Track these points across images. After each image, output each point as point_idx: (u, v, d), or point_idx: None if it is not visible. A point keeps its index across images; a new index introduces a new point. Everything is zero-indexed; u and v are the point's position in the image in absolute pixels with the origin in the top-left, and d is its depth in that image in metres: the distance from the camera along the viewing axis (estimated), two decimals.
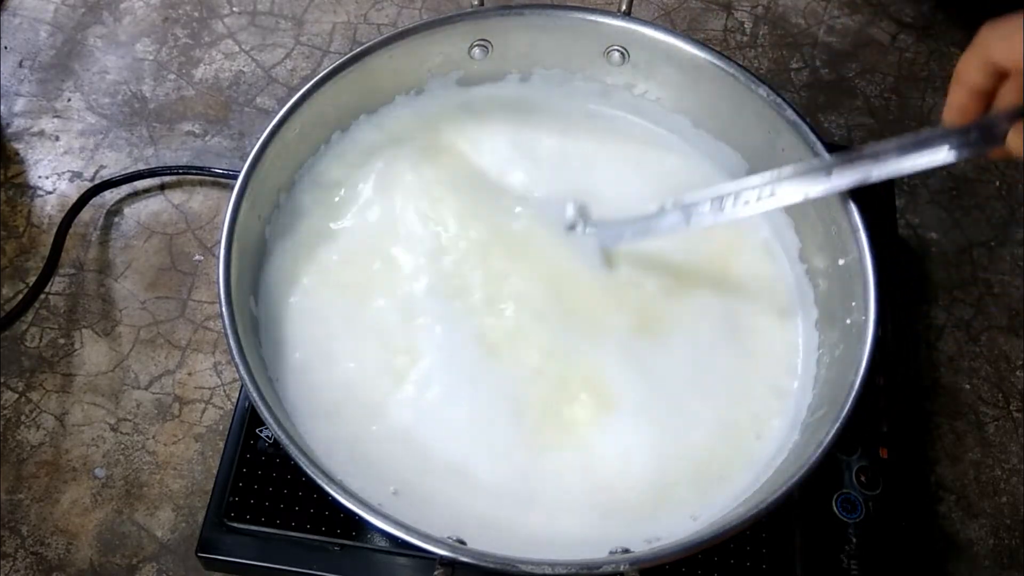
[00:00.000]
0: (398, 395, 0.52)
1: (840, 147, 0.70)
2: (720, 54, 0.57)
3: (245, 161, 0.52)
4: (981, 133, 0.43)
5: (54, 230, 0.69)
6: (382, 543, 0.52)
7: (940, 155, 0.44)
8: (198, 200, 0.72)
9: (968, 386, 0.66)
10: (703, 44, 0.57)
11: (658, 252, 0.57)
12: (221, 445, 0.59)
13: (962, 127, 0.44)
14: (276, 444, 0.54)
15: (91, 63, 0.79)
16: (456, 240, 0.57)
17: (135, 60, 0.80)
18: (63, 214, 0.69)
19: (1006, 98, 0.43)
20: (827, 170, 0.48)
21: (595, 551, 0.46)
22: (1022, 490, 0.62)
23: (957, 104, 0.44)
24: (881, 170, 0.46)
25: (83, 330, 0.66)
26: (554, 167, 0.61)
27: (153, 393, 0.64)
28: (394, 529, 0.42)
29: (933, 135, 0.44)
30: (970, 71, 0.42)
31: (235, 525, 0.52)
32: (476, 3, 0.59)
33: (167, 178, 0.73)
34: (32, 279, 0.67)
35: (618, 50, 0.60)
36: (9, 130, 0.75)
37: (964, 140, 0.43)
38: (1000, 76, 0.42)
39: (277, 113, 0.54)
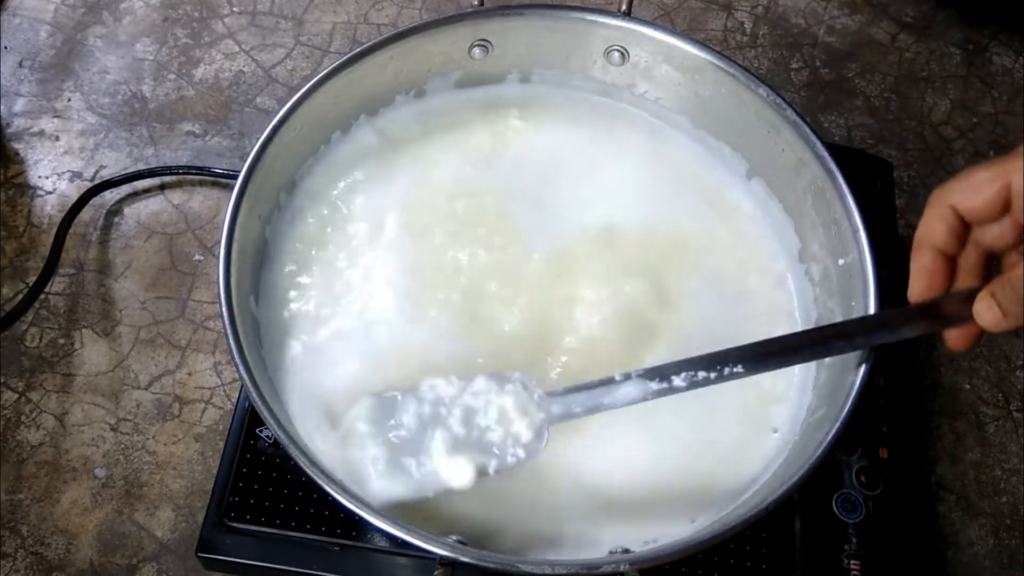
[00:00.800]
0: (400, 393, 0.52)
1: (840, 147, 0.70)
2: (720, 54, 0.57)
3: (245, 161, 0.52)
4: (943, 313, 0.43)
5: (54, 230, 0.69)
6: (382, 543, 0.52)
7: (904, 334, 0.44)
8: (198, 200, 0.72)
9: (968, 386, 0.66)
10: (703, 44, 0.57)
11: (656, 245, 0.57)
12: (221, 445, 0.59)
13: (926, 304, 0.43)
14: (276, 444, 0.54)
15: (91, 63, 0.79)
16: (459, 239, 0.57)
17: (135, 60, 0.80)
18: (63, 214, 0.69)
19: (964, 275, 0.43)
20: (794, 351, 0.46)
21: (595, 551, 0.46)
22: (1022, 490, 0.62)
23: (921, 269, 0.43)
24: (849, 346, 0.45)
25: (83, 330, 0.66)
26: (555, 166, 0.61)
27: (153, 393, 0.64)
28: (394, 529, 0.42)
29: (899, 317, 0.44)
30: (932, 226, 0.42)
31: (235, 525, 0.52)
32: (476, 3, 0.59)
33: (167, 178, 0.73)
34: (32, 279, 0.67)
35: (618, 50, 0.60)
36: (9, 130, 0.75)
37: (928, 318, 0.43)
38: (961, 235, 0.42)
39: (277, 113, 0.54)
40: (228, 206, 0.51)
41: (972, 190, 0.40)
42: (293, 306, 0.55)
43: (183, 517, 0.60)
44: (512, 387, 0.47)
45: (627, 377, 0.46)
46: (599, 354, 0.54)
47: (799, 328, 0.56)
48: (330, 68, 0.55)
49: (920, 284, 0.43)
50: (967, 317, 0.41)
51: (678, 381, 0.45)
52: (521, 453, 0.46)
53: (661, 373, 0.46)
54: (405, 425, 0.47)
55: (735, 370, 0.45)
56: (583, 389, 0.47)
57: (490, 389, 0.48)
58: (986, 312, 0.40)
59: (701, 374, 0.45)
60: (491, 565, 0.42)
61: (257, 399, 0.45)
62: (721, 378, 0.45)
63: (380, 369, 0.53)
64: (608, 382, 0.46)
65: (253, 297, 0.54)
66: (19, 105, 0.77)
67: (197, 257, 0.70)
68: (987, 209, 0.40)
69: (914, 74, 0.81)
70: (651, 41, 0.58)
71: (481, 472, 0.46)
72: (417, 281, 0.56)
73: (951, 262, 0.43)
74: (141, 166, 0.73)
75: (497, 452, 0.47)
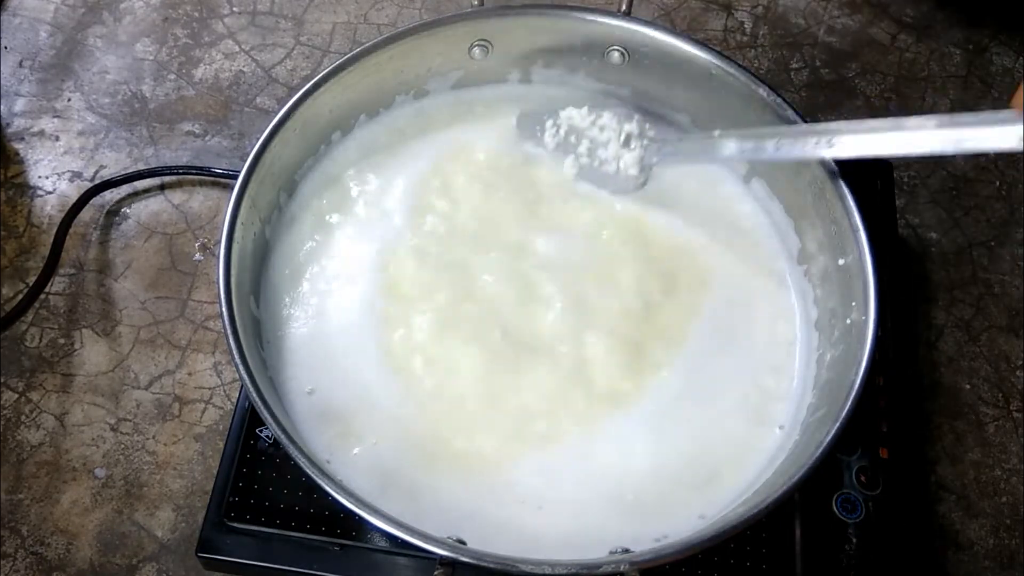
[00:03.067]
0: (399, 391, 0.52)
1: None
2: (720, 54, 0.57)
3: (245, 161, 0.52)
4: None
5: (54, 230, 0.69)
6: (382, 543, 0.52)
7: (1008, 138, 0.40)
8: (198, 200, 0.72)
9: (968, 386, 0.66)
10: (703, 44, 0.57)
11: (658, 245, 0.58)
12: (221, 445, 0.59)
13: None
14: (276, 444, 0.54)
15: (91, 63, 0.79)
16: (457, 237, 0.57)
17: (135, 60, 0.80)
18: (63, 214, 0.69)
19: None
20: (898, 127, 0.44)
21: (596, 551, 0.46)
22: (1022, 490, 0.62)
23: None
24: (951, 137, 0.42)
25: (83, 330, 0.66)
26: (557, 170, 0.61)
27: (153, 393, 0.64)
28: (394, 529, 0.42)
29: (1007, 115, 0.40)
30: None
31: (235, 525, 0.52)
32: (476, 3, 0.59)
33: (167, 178, 0.73)
34: (32, 279, 0.67)
35: (618, 50, 0.60)
36: (9, 130, 0.75)
37: None
38: None
39: (277, 113, 0.54)
40: (228, 206, 0.51)
41: None
42: (293, 306, 0.55)
43: (183, 517, 0.60)
44: (631, 127, 0.58)
45: (725, 135, 0.52)
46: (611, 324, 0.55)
47: (799, 328, 0.56)
48: (330, 68, 0.55)
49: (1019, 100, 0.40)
50: None
51: (770, 147, 0.49)
52: (630, 186, 0.58)
53: (756, 135, 0.51)
54: (544, 142, 0.60)
55: (832, 142, 0.46)
56: (686, 140, 0.56)
57: (611, 126, 0.59)
58: None
59: (787, 142, 0.48)
60: (491, 565, 0.42)
61: (257, 399, 0.45)
62: (814, 148, 0.47)
63: (381, 368, 0.53)
64: (708, 138, 0.54)
65: (253, 297, 0.54)
66: (19, 105, 0.77)
67: (197, 257, 0.70)
68: None
69: (914, 74, 0.81)
70: (651, 41, 0.58)
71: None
72: (416, 277, 0.56)
73: None
74: (141, 166, 0.73)
75: (610, 181, 0.58)
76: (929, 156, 0.45)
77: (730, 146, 0.52)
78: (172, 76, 0.79)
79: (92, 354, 0.65)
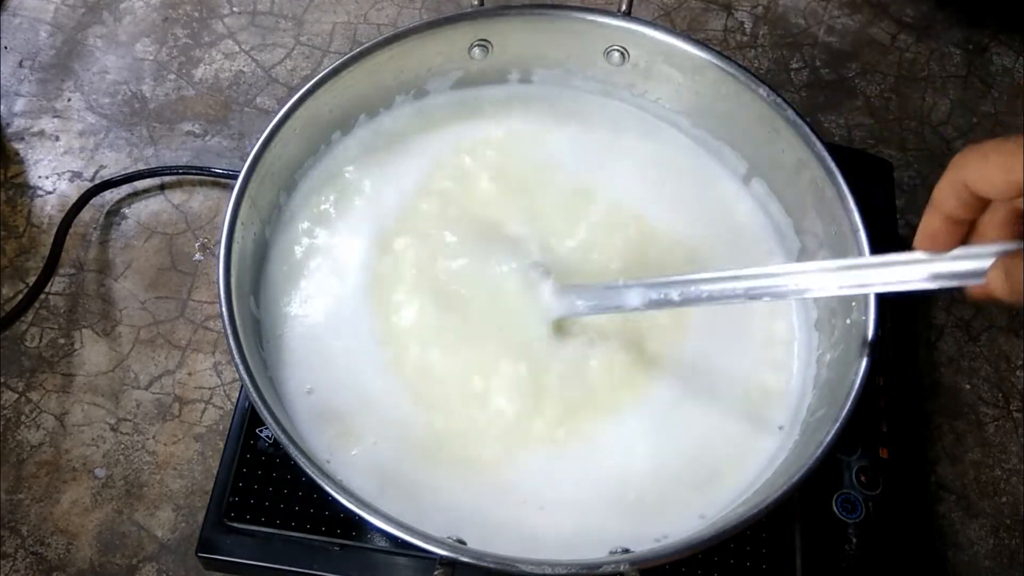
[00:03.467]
0: (398, 391, 0.52)
1: (840, 147, 0.70)
2: (720, 54, 0.57)
3: (245, 161, 0.52)
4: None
5: (54, 230, 0.69)
6: (382, 543, 0.52)
7: (913, 281, 0.41)
8: (198, 200, 0.72)
9: (968, 386, 0.66)
10: (703, 44, 0.57)
11: (658, 243, 0.58)
12: (221, 445, 0.59)
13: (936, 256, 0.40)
14: (276, 444, 0.54)
15: (91, 63, 0.79)
16: (458, 235, 0.57)
17: (135, 60, 0.80)
18: (63, 214, 0.69)
19: (986, 231, 0.39)
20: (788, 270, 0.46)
21: (596, 551, 0.46)
22: (1022, 490, 0.62)
23: (929, 230, 0.40)
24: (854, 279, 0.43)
25: (83, 330, 0.66)
26: (554, 166, 0.61)
27: (153, 393, 0.64)
28: (394, 529, 0.42)
29: (909, 258, 0.41)
30: (946, 196, 0.38)
31: (235, 525, 0.52)
32: (476, 3, 0.59)
33: (167, 178, 0.73)
34: (32, 279, 0.67)
35: (618, 50, 0.60)
36: (9, 130, 0.75)
37: (938, 270, 0.40)
38: (980, 204, 0.38)
39: (277, 113, 0.54)
40: (228, 206, 0.51)
41: (986, 173, 0.36)
42: (293, 305, 0.55)
43: (183, 517, 0.60)
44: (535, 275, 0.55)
45: (629, 285, 0.50)
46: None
47: (798, 328, 0.56)
48: (330, 68, 0.55)
49: (924, 242, 0.40)
50: (980, 275, 0.38)
51: (674, 295, 0.49)
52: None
53: (659, 285, 0.49)
54: None
55: (735, 289, 0.47)
56: (590, 288, 0.52)
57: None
58: (1001, 284, 0.37)
59: (694, 289, 0.48)
60: (491, 565, 0.42)
61: (257, 399, 0.45)
62: (715, 299, 0.48)
63: (380, 368, 0.53)
64: (613, 286, 0.51)
65: (253, 297, 0.54)
66: (19, 105, 0.77)
67: (197, 257, 0.70)
68: (1004, 193, 0.36)
69: (914, 74, 0.81)
70: (651, 41, 0.58)
71: None
72: (415, 278, 0.56)
73: (966, 223, 0.39)
74: (141, 166, 0.73)
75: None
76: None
77: (635, 295, 0.50)
78: (172, 76, 0.79)
79: (92, 354, 0.65)
